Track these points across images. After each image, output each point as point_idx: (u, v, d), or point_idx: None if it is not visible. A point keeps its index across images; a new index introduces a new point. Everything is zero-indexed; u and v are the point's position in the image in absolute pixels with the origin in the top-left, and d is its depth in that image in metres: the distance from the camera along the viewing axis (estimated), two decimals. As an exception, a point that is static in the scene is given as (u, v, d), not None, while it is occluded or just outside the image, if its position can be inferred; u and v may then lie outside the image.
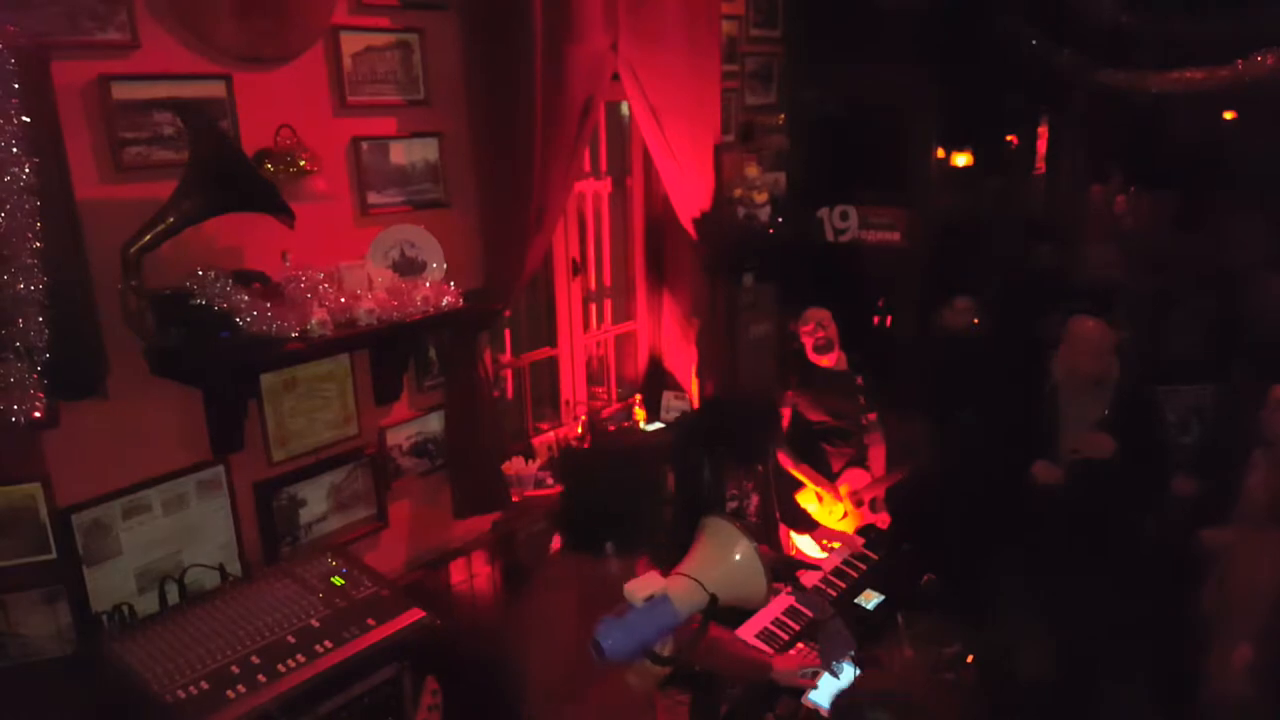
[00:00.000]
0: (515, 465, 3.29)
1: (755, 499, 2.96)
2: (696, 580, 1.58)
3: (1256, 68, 3.40)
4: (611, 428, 3.76)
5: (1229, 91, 3.79)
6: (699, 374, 3.99)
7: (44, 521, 2.08)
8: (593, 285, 3.82)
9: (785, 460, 3.48)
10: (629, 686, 1.68)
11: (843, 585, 2.88)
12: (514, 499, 3.18)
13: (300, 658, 2.13)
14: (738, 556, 1.62)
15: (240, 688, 2.02)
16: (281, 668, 2.10)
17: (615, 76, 3.23)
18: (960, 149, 5.74)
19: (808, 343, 3.65)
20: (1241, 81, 3.51)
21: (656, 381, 4.08)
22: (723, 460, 2.86)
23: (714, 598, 1.56)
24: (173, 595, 2.31)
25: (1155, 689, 3.24)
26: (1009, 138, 6.88)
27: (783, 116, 4.29)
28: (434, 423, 2.95)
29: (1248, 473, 3.05)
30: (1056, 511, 3.24)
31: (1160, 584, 3.26)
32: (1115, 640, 3.22)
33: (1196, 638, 3.11)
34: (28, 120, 1.70)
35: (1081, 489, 3.19)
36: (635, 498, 2.00)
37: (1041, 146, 7.24)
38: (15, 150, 1.63)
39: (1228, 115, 7.52)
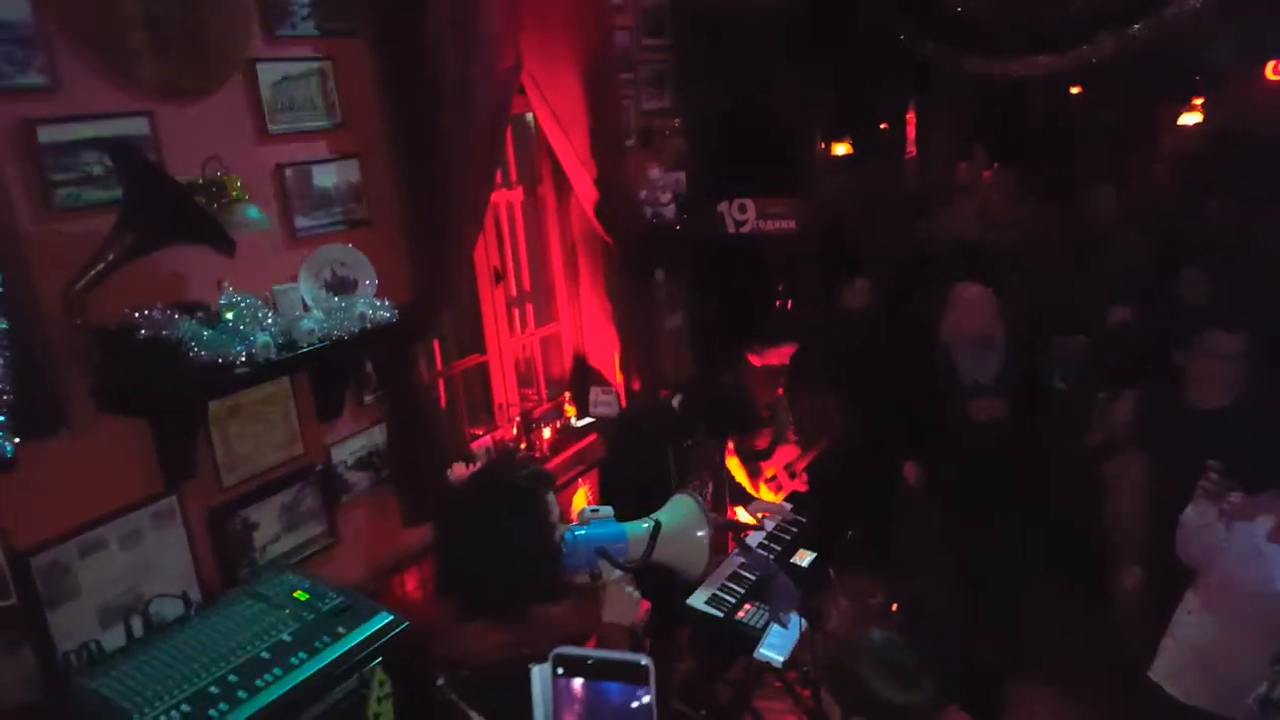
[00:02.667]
0: (457, 471, 3.38)
1: (710, 486, 3.15)
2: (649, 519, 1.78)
3: (1101, 50, 3.82)
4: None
5: (1078, 71, 4.21)
6: (622, 368, 4.17)
7: (3, 567, 2.08)
8: (514, 291, 3.95)
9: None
10: (610, 622, 1.83)
11: (777, 549, 3.11)
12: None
13: (277, 671, 2.19)
14: (698, 533, 1.82)
15: (222, 706, 2.07)
16: (260, 683, 2.15)
17: (521, 90, 3.37)
18: (839, 139, 6.14)
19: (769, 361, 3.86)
20: (1089, 63, 3.92)
21: (583, 378, 4.23)
22: (686, 456, 3.03)
23: (657, 523, 1.75)
24: (139, 628, 2.32)
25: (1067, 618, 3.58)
26: (882, 125, 7.36)
27: (678, 119, 4.52)
28: (377, 436, 3.03)
29: (1114, 407, 3.42)
30: (974, 456, 3.52)
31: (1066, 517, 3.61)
32: (1024, 576, 3.55)
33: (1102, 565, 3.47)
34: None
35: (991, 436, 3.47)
36: (515, 546, 1.77)
37: (911, 131, 7.76)
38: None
39: (1074, 90, 8.24)
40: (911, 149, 7.99)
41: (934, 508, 3.75)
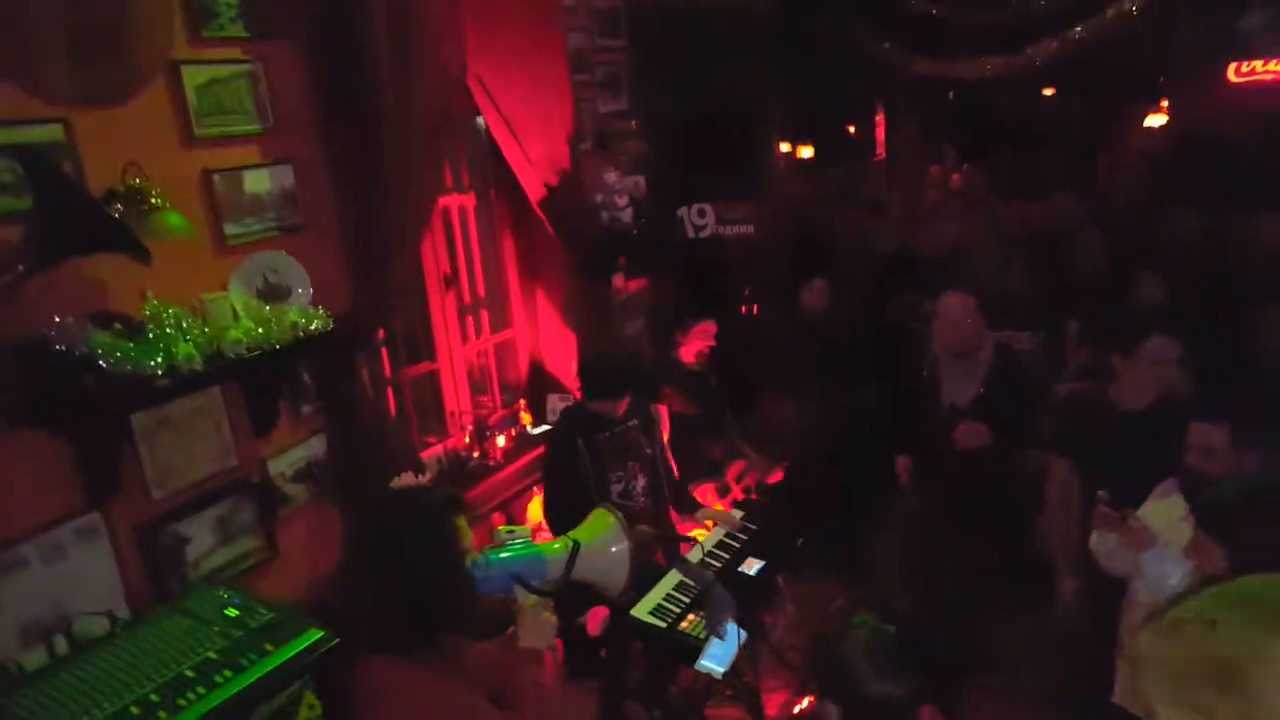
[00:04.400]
0: (406, 480, 3.32)
1: (642, 480, 3.12)
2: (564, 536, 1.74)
3: (1044, 52, 3.83)
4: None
5: (1026, 74, 4.22)
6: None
7: (-88, 585, 2.02)
8: (467, 298, 3.90)
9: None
10: (524, 648, 1.79)
11: (726, 557, 3.08)
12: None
13: (201, 690, 2.14)
14: (614, 549, 1.79)
15: (142, 727, 2.03)
16: (183, 701, 2.09)
17: (468, 93, 3.32)
18: (803, 142, 6.12)
19: (696, 346, 3.81)
20: (1034, 65, 3.93)
21: (539, 385, 4.19)
22: (600, 446, 3.00)
23: (576, 543, 1.71)
24: (62, 647, 2.26)
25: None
26: (848, 127, 7.36)
27: (635, 122, 4.48)
28: (316, 446, 2.97)
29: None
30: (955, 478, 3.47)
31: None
32: (980, 581, 3.53)
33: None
34: None
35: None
36: (418, 574, 1.67)
37: (880, 133, 7.76)
38: None
39: (1047, 91, 8.27)
40: (880, 150, 8.00)
41: (905, 514, 3.74)
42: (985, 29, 3.96)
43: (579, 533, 1.80)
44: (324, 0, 2.69)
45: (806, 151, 6.43)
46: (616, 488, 3.05)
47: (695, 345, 3.77)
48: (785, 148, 6.28)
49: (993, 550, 3.36)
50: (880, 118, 7.70)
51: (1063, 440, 3.16)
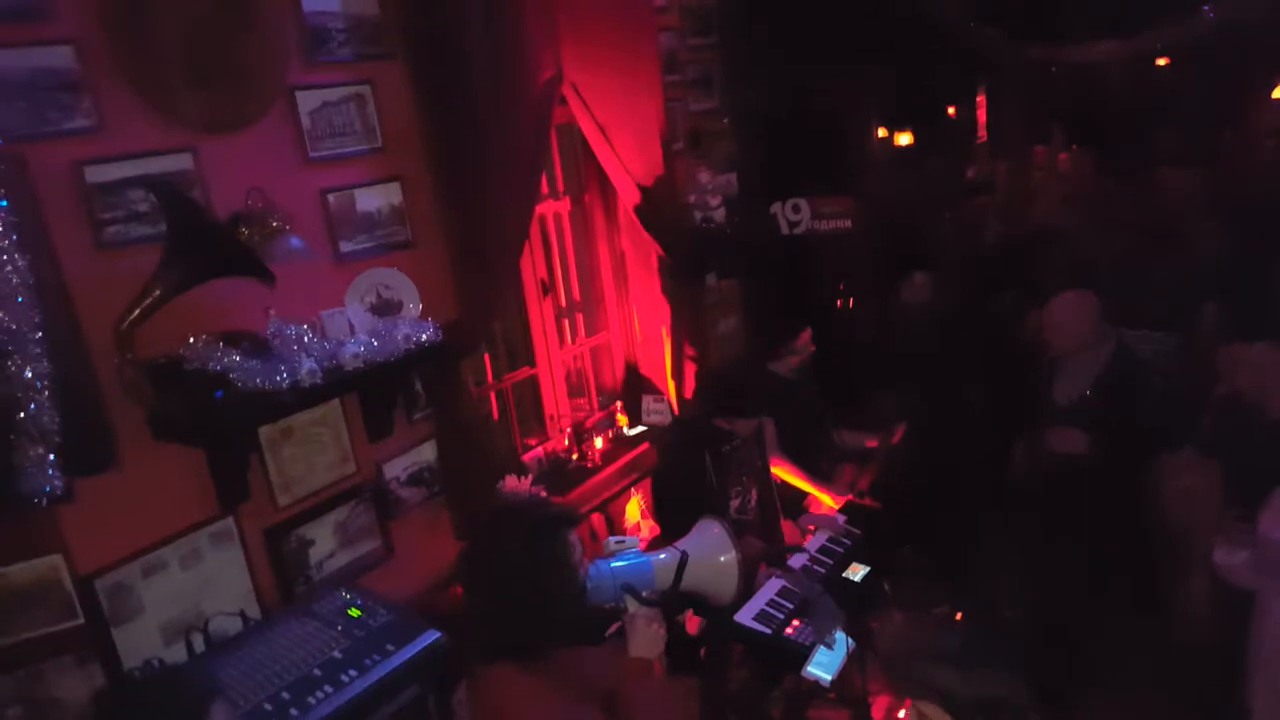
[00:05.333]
0: (509, 483, 3.41)
1: (755, 494, 3.10)
2: (672, 546, 1.75)
3: (1163, 36, 3.60)
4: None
5: (1144, 57, 3.99)
6: (674, 375, 4.14)
7: (69, 589, 2.19)
8: (563, 302, 3.96)
9: (782, 466, 3.59)
10: (633, 657, 1.81)
11: (830, 562, 3.04)
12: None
13: (328, 688, 2.25)
14: (722, 559, 1.79)
15: (275, 723, 2.15)
16: (312, 700, 2.21)
17: (563, 100, 3.37)
18: (901, 129, 5.95)
19: (794, 360, 3.75)
20: (1152, 49, 3.70)
21: (634, 387, 4.22)
22: (724, 462, 2.98)
23: (684, 554, 1.72)
24: (199, 644, 2.42)
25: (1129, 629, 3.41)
26: (948, 110, 7.11)
27: (727, 120, 4.44)
28: (427, 452, 3.07)
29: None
30: (1058, 480, 3.34)
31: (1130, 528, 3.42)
32: (1092, 589, 3.38)
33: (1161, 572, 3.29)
34: (15, 219, 1.80)
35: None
36: (534, 586, 1.71)
37: (982, 116, 7.47)
38: (9, 249, 1.73)
39: (1160, 63, 7.79)
40: (983, 134, 7.70)
41: (1011, 517, 3.61)
42: (1098, 13, 3.75)
43: (687, 543, 1.81)
44: (425, 20, 2.75)
45: (905, 138, 6.25)
46: (735, 503, 3.04)
47: (792, 360, 3.68)
48: (882, 133, 6.12)
49: (1104, 555, 3.21)
50: (981, 99, 7.41)
51: (1214, 443, 2.99)
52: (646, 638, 1.79)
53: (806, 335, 3.65)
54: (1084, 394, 3.29)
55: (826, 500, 3.50)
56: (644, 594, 1.73)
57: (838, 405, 4.05)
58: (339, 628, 2.48)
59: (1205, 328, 3.97)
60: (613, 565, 1.73)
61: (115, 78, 2.18)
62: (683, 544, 1.79)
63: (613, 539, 1.80)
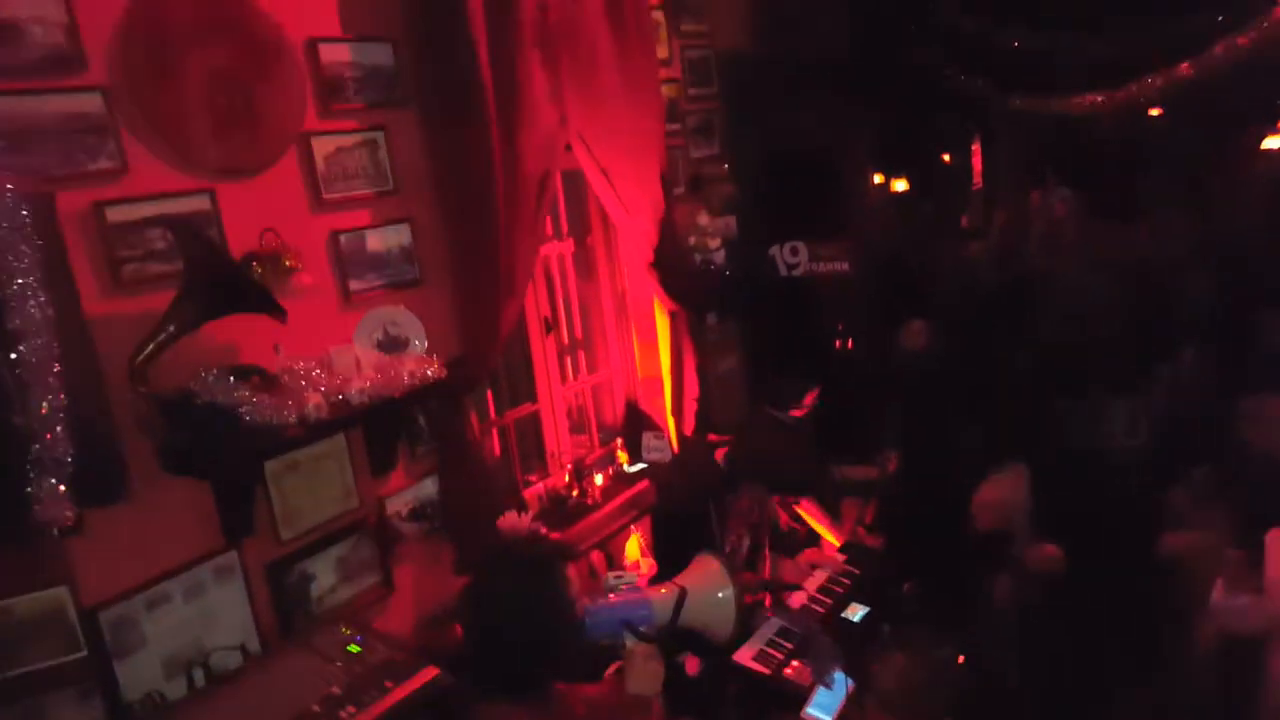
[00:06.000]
0: (509, 519, 3.42)
1: (747, 542, 3.12)
2: (671, 583, 1.78)
3: (1148, 88, 3.71)
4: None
5: (1132, 108, 4.09)
6: (673, 413, 4.19)
7: (73, 621, 2.20)
8: (565, 340, 4.02)
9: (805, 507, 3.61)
10: (634, 694, 1.83)
11: (829, 602, 3.05)
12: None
13: (327, 725, 2.27)
14: (720, 594, 1.82)
15: (274, 759, 2.16)
16: (310, 737, 2.23)
17: (568, 148, 3.46)
18: (897, 174, 6.05)
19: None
20: (1136, 102, 3.80)
21: (635, 424, 4.26)
22: (727, 509, 3.00)
23: (683, 590, 1.75)
24: (200, 678, 2.43)
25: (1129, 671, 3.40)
26: (943, 157, 7.23)
27: (727, 165, 4.55)
28: (429, 487, 3.10)
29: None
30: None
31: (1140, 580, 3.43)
32: (1093, 629, 3.39)
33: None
34: (40, 257, 1.86)
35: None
36: (529, 623, 1.73)
37: (977, 163, 7.58)
38: (34, 286, 1.79)
39: (1154, 112, 7.93)
40: (978, 180, 7.81)
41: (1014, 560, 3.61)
42: (1084, 64, 3.87)
43: (685, 578, 1.84)
44: (437, 71, 2.85)
45: (901, 184, 6.36)
46: (726, 550, 3.07)
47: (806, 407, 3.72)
48: (879, 179, 6.22)
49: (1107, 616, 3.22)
50: (977, 146, 7.53)
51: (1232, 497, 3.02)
52: (645, 674, 1.81)
53: (813, 395, 3.67)
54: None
55: (832, 539, 3.52)
56: (642, 630, 1.76)
57: (837, 445, 4.09)
58: (338, 663, 2.49)
59: (1184, 374, 4.03)
60: (612, 601, 1.76)
61: (139, 124, 2.26)
62: (681, 579, 1.82)
63: (612, 575, 1.83)
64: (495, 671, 1.77)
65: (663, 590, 1.82)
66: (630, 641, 1.78)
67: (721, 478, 3.01)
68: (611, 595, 1.78)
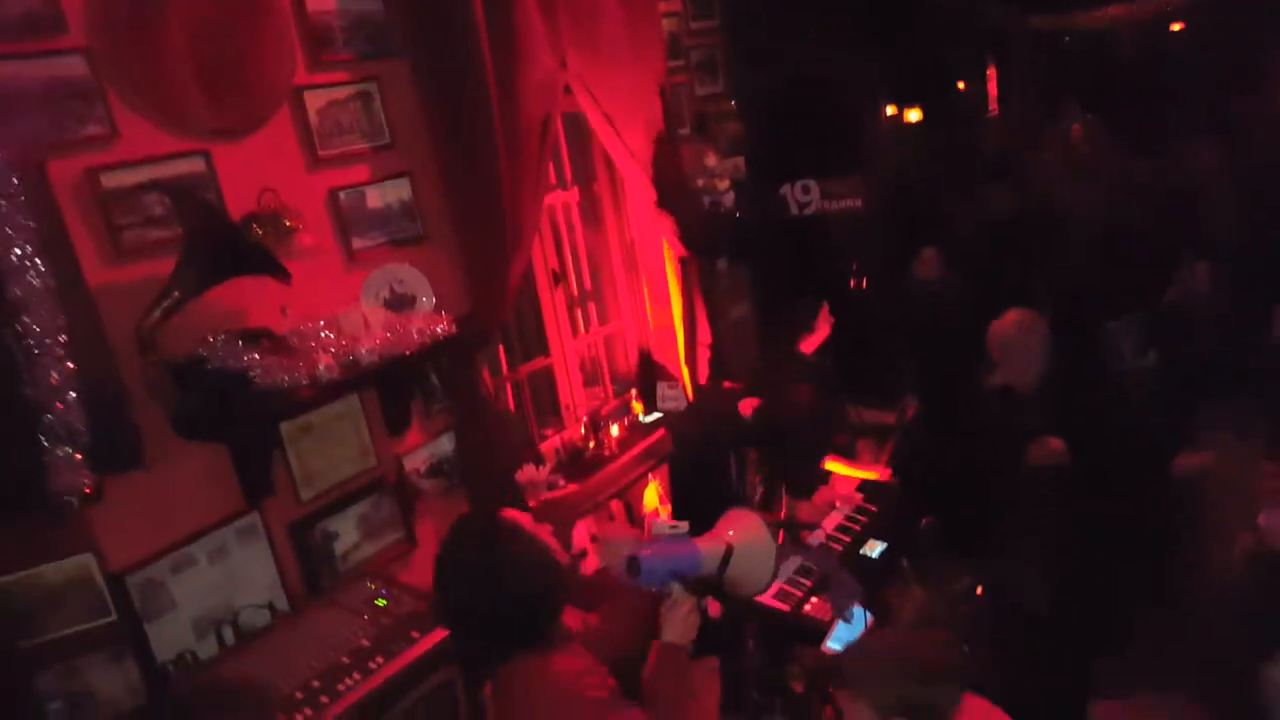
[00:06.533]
0: (527, 473, 3.45)
1: (760, 490, 3.11)
2: (719, 538, 1.78)
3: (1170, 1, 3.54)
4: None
5: (1152, 23, 3.93)
6: (686, 361, 4.16)
7: (100, 587, 2.24)
8: (575, 291, 3.99)
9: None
10: (669, 643, 1.85)
11: (847, 539, 3.05)
12: (530, 504, 3.35)
13: (356, 675, 2.31)
14: (764, 553, 1.81)
15: (307, 710, 2.20)
16: (341, 687, 2.27)
17: (567, 89, 3.38)
18: (910, 105, 5.90)
19: (820, 337, 3.73)
20: (1158, 15, 3.65)
21: (648, 374, 4.24)
22: (746, 458, 2.99)
23: (730, 547, 1.74)
24: (230, 637, 2.48)
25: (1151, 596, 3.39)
26: (957, 85, 7.03)
27: (733, 103, 4.44)
28: (446, 444, 3.12)
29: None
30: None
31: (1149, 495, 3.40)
32: (1114, 559, 3.37)
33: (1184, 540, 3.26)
34: (36, 226, 1.85)
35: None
36: (528, 593, 1.82)
37: (993, 89, 7.38)
38: (32, 256, 1.78)
39: (1175, 27, 7.65)
40: (994, 106, 7.61)
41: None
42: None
43: (731, 533, 1.83)
44: (428, 17, 2.78)
45: (914, 114, 6.21)
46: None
47: (820, 336, 3.66)
48: (891, 111, 6.08)
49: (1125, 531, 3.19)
50: (992, 72, 7.31)
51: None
52: (686, 624, 1.82)
53: (825, 310, 3.63)
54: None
55: (850, 473, 3.51)
56: (689, 582, 1.76)
57: (853, 384, 4.05)
58: (365, 616, 2.53)
59: (1200, 287, 3.93)
60: (665, 552, 1.75)
61: (125, 86, 2.22)
62: (727, 535, 1.80)
63: (666, 524, 1.82)
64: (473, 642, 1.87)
65: (712, 545, 1.80)
66: (677, 591, 1.79)
67: (743, 430, 2.98)
68: (664, 544, 1.77)
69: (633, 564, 1.69)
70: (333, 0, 2.65)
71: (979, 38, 6.49)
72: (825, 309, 3.59)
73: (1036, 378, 3.19)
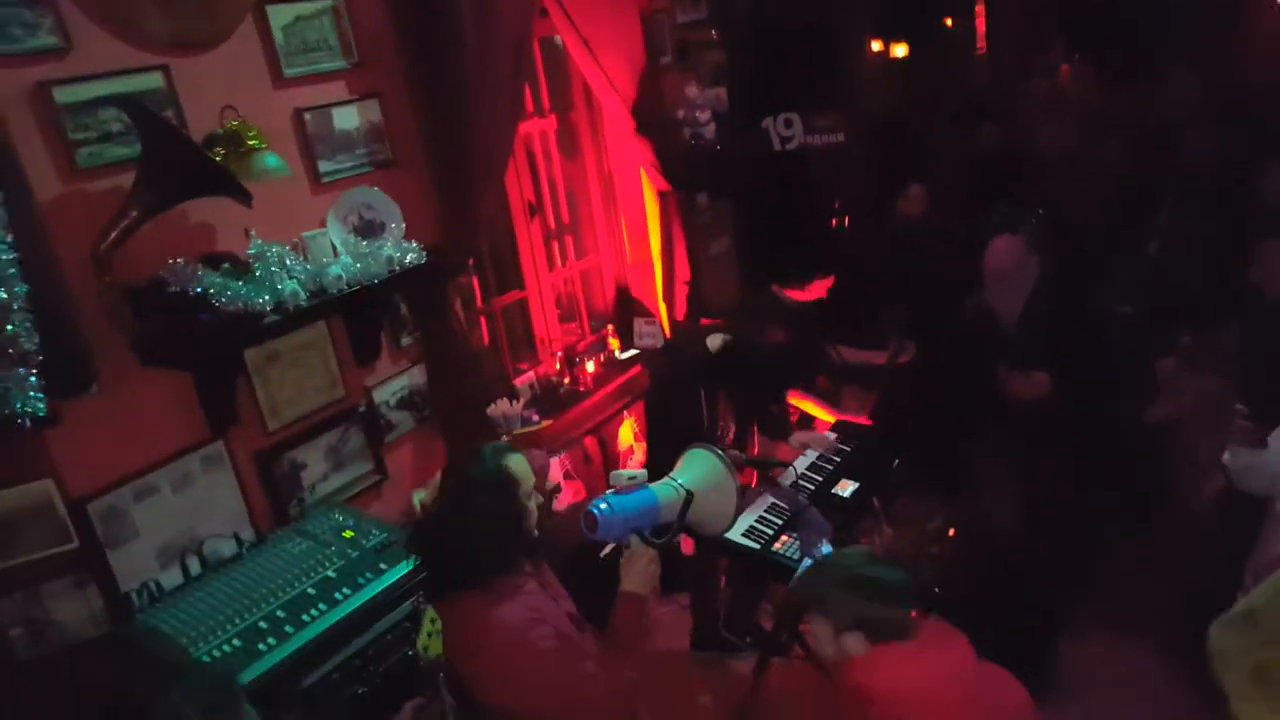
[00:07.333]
0: (501, 407, 3.42)
1: (733, 429, 3.10)
2: (676, 482, 1.76)
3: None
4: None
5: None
6: (665, 297, 4.12)
7: (62, 514, 2.20)
8: (552, 224, 3.91)
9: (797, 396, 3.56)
10: (628, 591, 1.85)
11: (819, 478, 3.07)
12: (503, 438, 3.33)
13: (322, 606, 2.30)
14: (724, 496, 1.80)
15: (270, 640, 2.20)
16: (306, 618, 2.27)
17: (544, 12, 3.25)
18: (896, 40, 5.77)
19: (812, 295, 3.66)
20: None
21: (626, 310, 4.20)
22: (719, 397, 2.96)
23: (690, 494, 1.73)
24: (195, 567, 2.46)
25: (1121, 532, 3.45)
26: (944, 20, 6.88)
27: (716, 32, 4.31)
28: (417, 376, 3.07)
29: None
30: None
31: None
32: (1084, 492, 3.41)
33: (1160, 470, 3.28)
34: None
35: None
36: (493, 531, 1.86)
37: (981, 26, 7.23)
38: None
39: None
40: (981, 44, 7.48)
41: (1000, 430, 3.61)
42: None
43: (689, 478, 1.81)
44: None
45: (900, 50, 6.08)
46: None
47: (813, 294, 3.59)
48: (877, 47, 5.95)
49: (1095, 467, 3.23)
50: (980, 8, 7.16)
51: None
52: (645, 575, 1.83)
53: (828, 281, 3.54)
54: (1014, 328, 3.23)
55: (825, 417, 3.51)
56: (647, 533, 1.75)
57: (838, 325, 4.03)
58: (332, 547, 2.52)
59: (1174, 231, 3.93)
60: (621, 505, 1.73)
61: (79, -6, 2.10)
62: (685, 479, 1.79)
63: (624, 474, 1.80)
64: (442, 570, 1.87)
65: (669, 492, 1.78)
66: (636, 544, 1.78)
67: (715, 366, 2.95)
68: (621, 496, 1.75)
69: (588, 518, 1.67)
70: (299, -92, 2.50)
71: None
72: (830, 281, 3.48)
73: (1019, 307, 3.18)
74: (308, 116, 2.62)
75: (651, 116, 3.75)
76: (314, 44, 2.60)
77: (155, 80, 2.27)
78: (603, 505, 1.68)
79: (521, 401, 3.50)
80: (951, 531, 3.76)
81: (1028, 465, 3.48)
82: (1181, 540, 3.17)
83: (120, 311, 2.14)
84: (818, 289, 3.38)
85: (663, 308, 4.15)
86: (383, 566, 2.45)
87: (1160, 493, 3.28)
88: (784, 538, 2.70)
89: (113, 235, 2.11)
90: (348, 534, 2.59)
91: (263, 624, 2.24)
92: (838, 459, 3.18)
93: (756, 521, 2.79)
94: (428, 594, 1.93)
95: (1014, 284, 3.20)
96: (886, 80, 5.63)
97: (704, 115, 3.98)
